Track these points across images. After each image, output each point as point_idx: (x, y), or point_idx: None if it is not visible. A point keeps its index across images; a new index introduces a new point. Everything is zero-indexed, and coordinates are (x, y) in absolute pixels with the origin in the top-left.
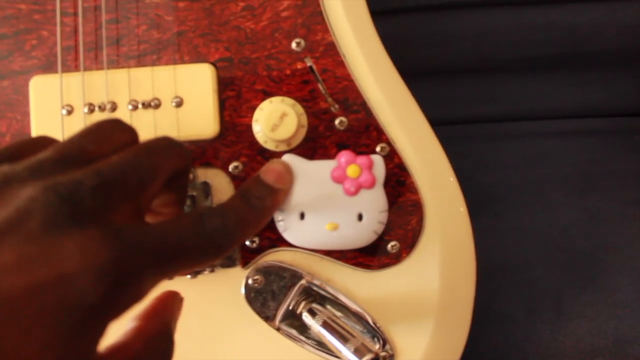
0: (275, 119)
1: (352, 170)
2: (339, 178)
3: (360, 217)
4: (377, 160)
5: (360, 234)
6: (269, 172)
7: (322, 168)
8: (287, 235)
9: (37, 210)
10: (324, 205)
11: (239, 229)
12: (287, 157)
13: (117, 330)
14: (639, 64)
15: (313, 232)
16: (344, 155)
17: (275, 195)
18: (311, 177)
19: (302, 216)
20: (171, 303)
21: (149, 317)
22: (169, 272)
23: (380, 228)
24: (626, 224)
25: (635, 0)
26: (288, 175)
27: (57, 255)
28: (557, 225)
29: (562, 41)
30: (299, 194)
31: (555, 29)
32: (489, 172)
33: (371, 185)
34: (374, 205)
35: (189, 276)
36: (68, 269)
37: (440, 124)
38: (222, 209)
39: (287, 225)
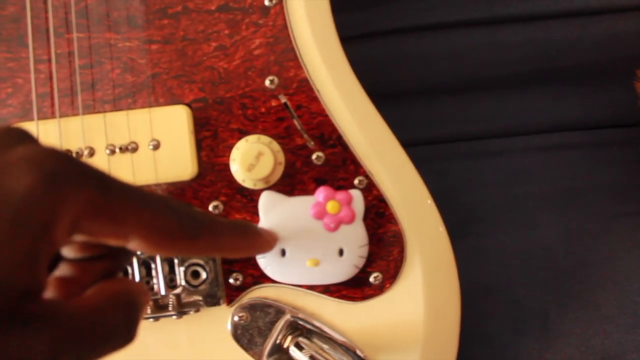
0: (251, 159)
1: (331, 206)
2: (319, 214)
3: (341, 252)
4: (356, 195)
5: (342, 269)
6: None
7: (302, 204)
8: (269, 272)
9: None
10: (305, 242)
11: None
12: (266, 194)
13: None
14: (613, 76)
15: (294, 268)
16: (323, 191)
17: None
18: (291, 213)
19: (283, 253)
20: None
21: (113, 282)
22: (110, 201)
23: (361, 262)
24: (607, 238)
25: (605, 15)
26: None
27: (5, 149)
28: (539, 243)
29: (537, 58)
30: (279, 231)
31: (530, 46)
32: (470, 191)
33: (351, 220)
34: (354, 240)
35: (174, 316)
36: (10, 157)
37: (420, 144)
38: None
39: (269, 262)
